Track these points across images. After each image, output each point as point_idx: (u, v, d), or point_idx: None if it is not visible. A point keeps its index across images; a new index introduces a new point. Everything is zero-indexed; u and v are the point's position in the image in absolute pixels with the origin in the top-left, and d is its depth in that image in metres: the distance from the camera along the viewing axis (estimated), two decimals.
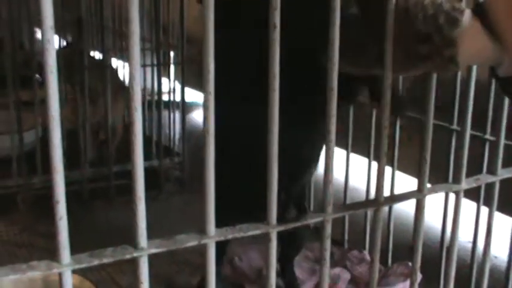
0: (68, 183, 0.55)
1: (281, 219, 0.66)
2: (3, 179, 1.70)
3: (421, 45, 0.72)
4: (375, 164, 1.11)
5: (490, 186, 0.90)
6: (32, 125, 1.78)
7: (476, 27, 0.70)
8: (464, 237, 1.42)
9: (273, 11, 0.60)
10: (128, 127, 0.56)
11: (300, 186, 1.16)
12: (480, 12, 0.71)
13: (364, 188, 1.44)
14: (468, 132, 0.85)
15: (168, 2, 1.99)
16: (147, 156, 1.86)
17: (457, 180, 0.82)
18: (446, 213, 1.22)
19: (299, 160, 1.06)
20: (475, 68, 0.88)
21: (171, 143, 2.00)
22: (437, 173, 1.18)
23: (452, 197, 0.88)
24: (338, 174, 1.47)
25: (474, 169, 1.02)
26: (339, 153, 1.45)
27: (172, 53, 2.08)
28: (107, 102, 1.75)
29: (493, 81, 1.11)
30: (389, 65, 0.71)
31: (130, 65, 0.55)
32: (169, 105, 2.10)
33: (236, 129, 0.99)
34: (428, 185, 0.79)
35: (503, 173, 0.87)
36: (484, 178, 0.87)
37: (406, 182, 1.60)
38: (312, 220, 0.69)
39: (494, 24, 0.69)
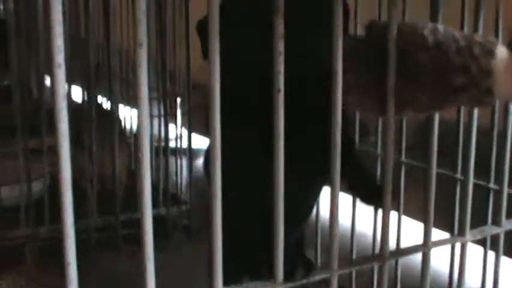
0: (75, 233, 0.56)
1: (288, 276, 0.67)
2: (10, 230, 1.71)
3: (456, 77, 0.71)
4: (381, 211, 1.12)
5: (495, 237, 0.91)
6: (40, 174, 1.80)
7: (511, 62, 0.71)
8: (472, 282, 1.41)
9: (277, 75, 0.62)
10: (133, 173, 0.58)
11: (298, 233, 1.16)
12: None
13: (371, 233, 1.44)
14: (471, 183, 0.86)
15: (174, 49, 2.03)
16: (154, 204, 1.87)
17: (461, 232, 0.83)
18: (453, 263, 1.22)
19: (298, 207, 1.06)
20: (476, 115, 0.89)
21: (178, 190, 2.01)
22: (443, 218, 1.18)
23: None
24: (344, 220, 1.48)
25: (480, 217, 1.02)
26: (344, 198, 1.46)
27: (178, 100, 2.11)
28: (114, 153, 1.77)
29: (495, 127, 1.12)
30: (392, 105, 0.72)
31: (139, 137, 0.56)
32: (176, 151, 2.12)
33: (237, 175, 0.99)
34: (435, 231, 0.80)
35: (507, 224, 0.88)
36: (489, 230, 0.88)
37: (412, 227, 1.60)
38: (318, 277, 0.70)
39: None
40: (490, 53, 0.70)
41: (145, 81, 0.56)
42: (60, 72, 0.53)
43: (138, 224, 0.59)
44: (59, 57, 0.53)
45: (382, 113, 0.74)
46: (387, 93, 0.72)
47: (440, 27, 0.74)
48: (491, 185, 1.14)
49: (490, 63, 0.69)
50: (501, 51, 0.70)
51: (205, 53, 1.01)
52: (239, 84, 0.90)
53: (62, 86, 0.53)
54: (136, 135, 0.58)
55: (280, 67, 0.62)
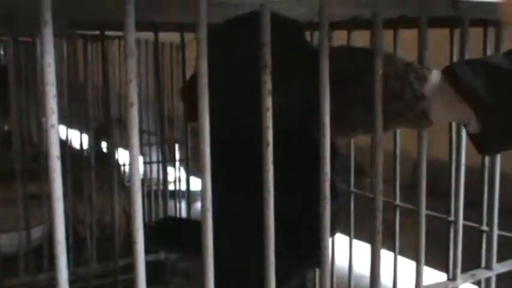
0: (74, 280, 0.57)
1: None
2: (9, 278, 1.71)
3: (393, 103, 0.76)
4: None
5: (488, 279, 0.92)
6: (40, 221, 1.80)
7: (445, 86, 0.75)
8: None
9: (266, 130, 0.64)
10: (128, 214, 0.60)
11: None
12: (449, 73, 0.75)
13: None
14: (461, 227, 0.87)
15: (172, 96, 2.06)
16: (153, 249, 1.88)
17: (453, 276, 0.84)
18: None
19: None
20: (463, 155, 0.91)
21: None
22: (442, 257, 1.19)
23: None
24: (342, 261, 1.49)
25: (474, 260, 1.03)
26: (341, 239, 1.47)
27: (177, 145, 2.13)
28: (113, 199, 1.77)
29: (486, 169, 1.14)
30: (380, 139, 0.74)
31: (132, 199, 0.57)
32: (175, 194, 2.13)
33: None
34: (434, 272, 0.80)
35: (498, 268, 0.89)
36: (480, 273, 0.89)
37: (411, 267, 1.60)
38: None
39: (462, 85, 0.73)
40: (423, 78, 0.75)
41: (137, 141, 0.57)
42: (54, 133, 0.55)
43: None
44: (53, 118, 0.55)
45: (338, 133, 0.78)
46: (375, 119, 0.74)
47: (385, 51, 0.78)
48: (484, 227, 1.15)
49: (422, 88, 0.74)
50: (435, 76, 0.75)
51: (188, 117, 1.04)
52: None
53: (55, 146, 0.55)
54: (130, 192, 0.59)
55: (269, 122, 0.64)
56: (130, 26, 0.56)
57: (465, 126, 0.79)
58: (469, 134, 0.79)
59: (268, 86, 0.63)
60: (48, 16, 0.51)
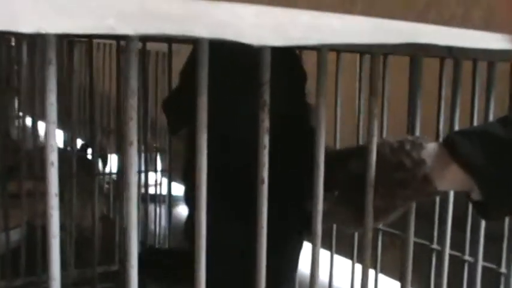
0: None
1: None
2: None
3: (395, 173, 0.77)
4: (358, 267, 1.12)
5: None
6: (18, 223, 1.77)
7: (444, 156, 0.76)
8: None
9: (262, 167, 0.64)
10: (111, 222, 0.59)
11: None
12: (448, 143, 0.77)
13: None
14: (447, 256, 0.88)
15: (156, 103, 2.05)
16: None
17: None
18: None
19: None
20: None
21: (156, 241, 2.00)
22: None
23: None
24: (323, 276, 1.49)
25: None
26: (322, 254, 1.47)
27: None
28: (93, 205, 1.76)
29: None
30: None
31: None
32: (156, 199, 2.12)
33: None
34: None
35: None
36: None
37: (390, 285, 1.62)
38: None
39: (463, 159, 0.75)
40: (420, 145, 0.77)
41: (135, 179, 0.57)
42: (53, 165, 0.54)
43: (114, 277, 0.60)
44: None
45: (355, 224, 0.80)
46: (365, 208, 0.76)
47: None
48: (467, 257, 1.14)
49: (420, 154, 0.76)
50: (430, 146, 0.77)
51: (172, 130, 1.05)
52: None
53: (54, 161, 0.54)
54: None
55: (265, 159, 0.64)
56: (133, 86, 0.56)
57: (468, 193, 0.81)
58: (472, 201, 0.80)
59: (266, 124, 0.63)
60: (52, 55, 0.50)
